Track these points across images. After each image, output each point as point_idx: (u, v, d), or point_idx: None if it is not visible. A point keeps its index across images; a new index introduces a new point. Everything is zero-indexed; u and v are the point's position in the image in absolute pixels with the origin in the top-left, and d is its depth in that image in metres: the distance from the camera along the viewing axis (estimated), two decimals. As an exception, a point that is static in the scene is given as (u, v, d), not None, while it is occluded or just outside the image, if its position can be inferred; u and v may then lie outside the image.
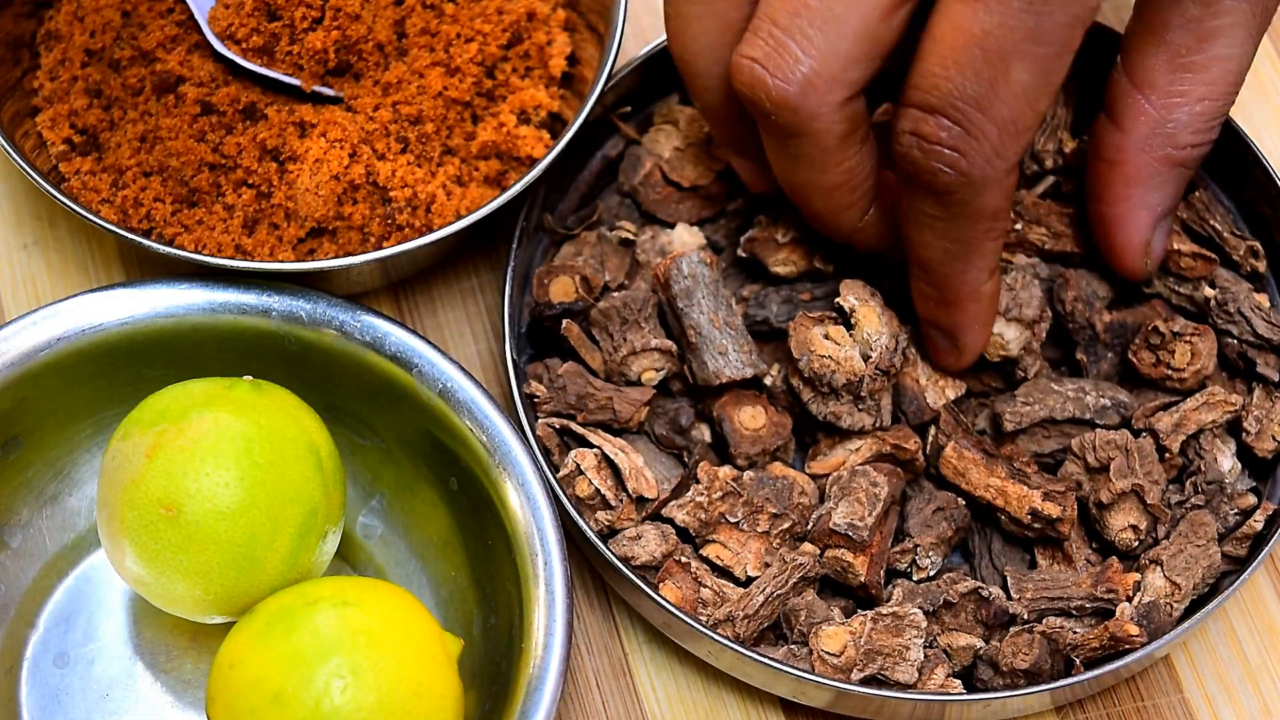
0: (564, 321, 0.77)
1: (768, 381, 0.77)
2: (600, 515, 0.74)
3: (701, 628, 0.71)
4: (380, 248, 0.76)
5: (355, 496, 0.77)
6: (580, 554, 0.77)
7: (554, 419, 0.76)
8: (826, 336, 0.75)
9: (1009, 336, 0.77)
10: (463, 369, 0.74)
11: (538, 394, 0.76)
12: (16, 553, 0.76)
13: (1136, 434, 0.76)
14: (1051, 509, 0.74)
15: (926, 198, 0.69)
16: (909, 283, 0.75)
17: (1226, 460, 0.76)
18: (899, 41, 0.68)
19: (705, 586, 0.73)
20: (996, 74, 0.65)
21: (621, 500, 0.74)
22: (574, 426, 0.76)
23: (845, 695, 0.72)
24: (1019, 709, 0.73)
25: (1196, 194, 0.80)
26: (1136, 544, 0.75)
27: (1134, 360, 0.78)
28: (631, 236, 0.80)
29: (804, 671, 0.71)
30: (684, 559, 0.74)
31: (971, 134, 0.67)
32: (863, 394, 0.75)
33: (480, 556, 0.74)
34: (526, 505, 0.72)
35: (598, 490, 0.74)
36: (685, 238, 0.80)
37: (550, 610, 0.70)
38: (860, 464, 0.75)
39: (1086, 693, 0.74)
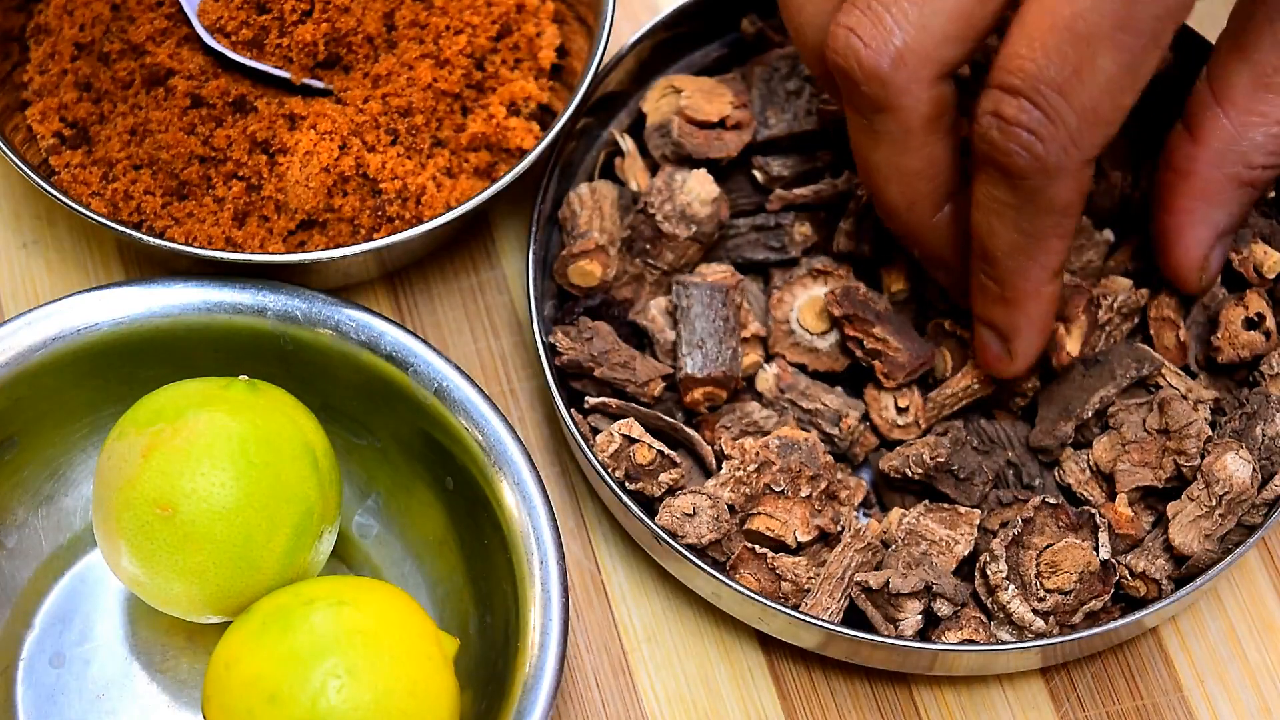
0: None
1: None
2: (663, 477, 0.74)
3: (696, 560, 0.72)
4: (370, 240, 0.76)
5: (351, 496, 0.77)
6: (623, 534, 0.78)
7: (589, 400, 0.76)
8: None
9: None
10: (459, 368, 0.74)
11: (560, 344, 0.76)
12: (12, 553, 0.76)
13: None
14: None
15: (1000, 182, 0.68)
16: (970, 282, 0.74)
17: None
18: (993, 27, 0.67)
19: (785, 580, 0.74)
20: (1082, 59, 0.64)
21: (680, 460, 0.75)
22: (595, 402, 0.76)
23: (835, 639, 0.72)
24: (1006, 665, 0.74)
25: None
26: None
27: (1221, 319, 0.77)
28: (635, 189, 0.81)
29: (787, 609, 0.72)
30: (758, 549, 0.74)
31: (1050, 119, 0.66)
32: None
33: (476, 556, 0.74)
34: (522, 505, 0.72)
35: (660, 452, 0.74)
36: (698, 190, 0.79)
37: (546, 610, 0.71)
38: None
39: (1077, 654, 0.74)
